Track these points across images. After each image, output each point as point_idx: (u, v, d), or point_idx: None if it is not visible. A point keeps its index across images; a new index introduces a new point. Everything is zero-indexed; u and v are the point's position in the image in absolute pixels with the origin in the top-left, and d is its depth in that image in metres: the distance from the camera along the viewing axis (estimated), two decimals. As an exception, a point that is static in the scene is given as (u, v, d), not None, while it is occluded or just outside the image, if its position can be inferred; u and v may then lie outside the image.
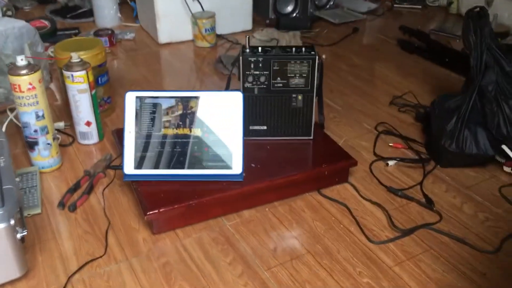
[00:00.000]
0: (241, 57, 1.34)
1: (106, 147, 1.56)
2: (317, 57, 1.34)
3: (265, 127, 1.44)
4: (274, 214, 1.29)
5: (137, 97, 1.31)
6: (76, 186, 1.37)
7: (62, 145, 1.54)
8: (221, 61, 2.12)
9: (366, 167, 1.49)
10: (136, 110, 1.30)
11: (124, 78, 2.02)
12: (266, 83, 1.37)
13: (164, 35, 2.34)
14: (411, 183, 1.41)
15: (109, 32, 2.32)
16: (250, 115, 1.41)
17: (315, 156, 1.40)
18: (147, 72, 2.08)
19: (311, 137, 1.45)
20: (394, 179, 1.43)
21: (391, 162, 1.49)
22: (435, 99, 1.59)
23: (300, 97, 1.39)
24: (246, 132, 1.43)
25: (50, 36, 2.30)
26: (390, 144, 1.58)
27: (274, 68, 1.35)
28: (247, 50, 1.35)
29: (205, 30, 2.30)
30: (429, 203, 1.32)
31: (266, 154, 1.39)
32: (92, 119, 1.53)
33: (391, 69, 2.13)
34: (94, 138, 1.57)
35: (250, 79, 1.36)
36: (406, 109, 1.79)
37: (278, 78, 1.37)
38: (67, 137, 1.60)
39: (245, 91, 1.38)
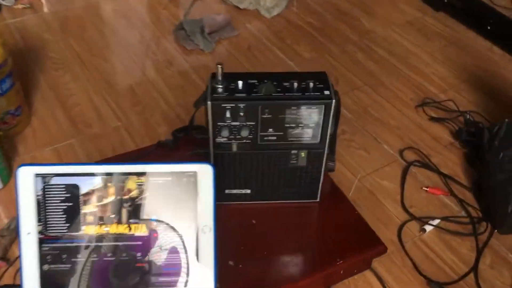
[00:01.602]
0: (209, 102, 0.81)
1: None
2: (333, 99, 0.82)
3: (248, 191, 0.94)
4: None
5: (37, 175, 0.79)
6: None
7: None
8: (183, 28, 1.54)
9: (394, 232, 1.03)
10: (38, 197, 0.79)
11: (45, 58, 1.43)
12: (251, 136, 0.85)
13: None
14: (459, 267, 0.98)
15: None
16: (226, 177, 0.92)
17: (324, 240, 0.93)
18: (78, 44, 1.49)
19: (317, 200, 0.97)
20: (434, 259, 0.99)
21: (428, 227, 1.04)
22: (497, 125, 1.10)
23: (303, 154, 0.89)
24: (221, 196, 0.94)
25: None
26: (425, 189, 1.11)
27: (264, 116, 0.83)
28: (219, 86, 0.82)
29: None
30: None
31: (250, 235, 0.92)
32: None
33: (412, 37, 1.58)
34: (-8, 188, 1.05)
35: (226, 132, 0.84)
36: (438, 113, 1.30)
37: (270, 130, 0.85)
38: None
39: (217, 148, 0.87)
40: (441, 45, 1.56)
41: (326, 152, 0.89)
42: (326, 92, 0.82)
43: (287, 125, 0.85)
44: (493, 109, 1.32)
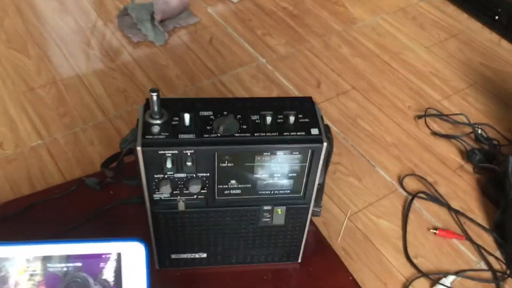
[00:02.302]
0: (139, 148, 0.53)
1: None
2: (323, 141, 0.55)
3: (204, 255, 0.68)
4: None
5: None
6: None
7: None
8: (128, 14, 1.24)
9: (396, 293, 0.80)
10: None
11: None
12: (205, 191, 0.59)
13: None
14: None
15: None
16: (172, 241, 0.65)
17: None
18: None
19: (298, 261, 0.72)
20: (451, 332, 0.76)
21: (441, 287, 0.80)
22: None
23: (280, 211, 0.63)
24: (165, 262, 0.68)
25: None
26: (433, 231, 0.87)
27: (223, 165, 0.56)
28: (155, 123, 0.54)
29: None
30: None
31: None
32: None
33: (407, 28, 1.33)
34: None
35: (166, 188, 0.57)
36: (442, 125, 1.06)
37: (232, 182, 0.59)
38: None
39: (155, 205, 0.60)
40: (440, 38, 1.31)
41: (311, 207, 0.63)
42: (314, 131, 0.56)
43: (257, 176, 0.58)
44: (507, 120, 1.09)
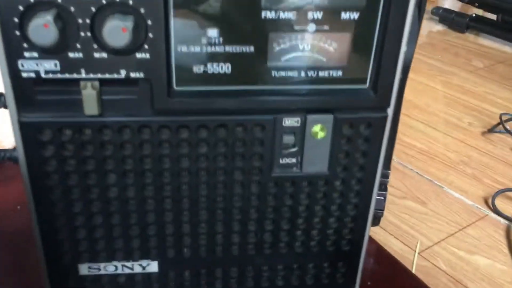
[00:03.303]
0: None
1: None
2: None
3: (155, 267, 0.30)
4: None
5: None
6: None
7: None
8: None
9: None
10: None
11: None
12: (147, 58, 0.24)
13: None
14: None
15: None
16: (75, 227, 0.28)
17: None
18: None
19: (355, 294, 0.33)
20: None
21: None
22: None
23: (321, 131, 0.27)
24: (66, 283, 0.30)
25: None
26: None
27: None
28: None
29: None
30: None
31: None
32: None
33: (443, 57, 1.06)
34: None
35: (42, 25, 0.22)
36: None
37: (211, 35, 0.24)
38: None
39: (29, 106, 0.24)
40: (485, 64, 1.04)
41: (387, 128, 0.28)
42: None
43: (266, 19, 0.24)
44: None
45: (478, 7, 1.16)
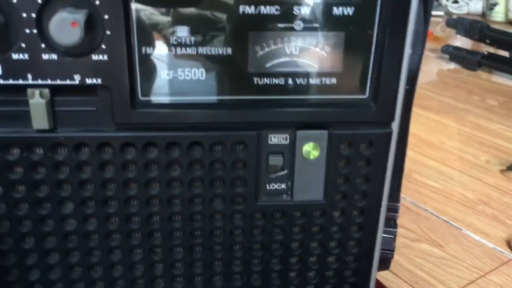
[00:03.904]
0: None
1: None
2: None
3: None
4: None
5: None
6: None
7: None
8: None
9: None
10: None
11: None
12: (103, 56, 0.20)
13: None
14: None
15: None
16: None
17: None
18: None
19: None
20: None
21: None
22: None
23: (313, 150, 0.23)
24: None
25: None
26: None
27: None
28: None
29: None
30: None
31: None
32: None
33: (454, 94, 1.03)
34: None
35: None
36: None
37: (181, 33, 0.20)
38: None
39: None
40: (500, 101, 1.00)
41: (394, 142, 0.24)
42: None
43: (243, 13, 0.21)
44: None
45: (489, 44, 1.13)
